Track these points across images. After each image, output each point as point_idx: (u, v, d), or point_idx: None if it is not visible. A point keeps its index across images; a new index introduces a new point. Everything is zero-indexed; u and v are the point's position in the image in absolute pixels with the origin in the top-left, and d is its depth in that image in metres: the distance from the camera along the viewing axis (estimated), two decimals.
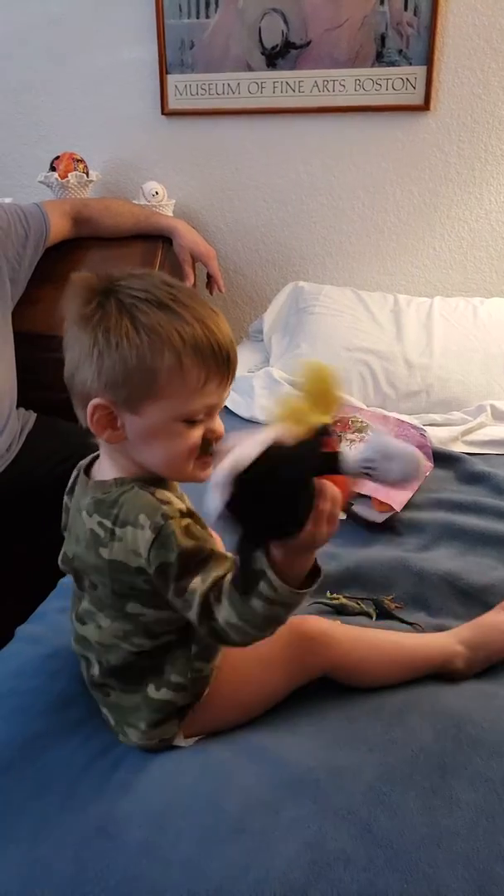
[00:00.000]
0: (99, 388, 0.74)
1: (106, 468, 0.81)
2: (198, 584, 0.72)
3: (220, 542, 0.85)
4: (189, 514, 0.77)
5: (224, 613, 0.70)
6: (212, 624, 0.72)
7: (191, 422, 0.75)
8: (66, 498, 0.90)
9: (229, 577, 0.71)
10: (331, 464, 0.61)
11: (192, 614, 0.73)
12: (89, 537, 0.78)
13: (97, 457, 0.85)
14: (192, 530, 0.75)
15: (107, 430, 0.75)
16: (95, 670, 0.86)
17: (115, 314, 0.72)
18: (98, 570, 0.79)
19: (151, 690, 0.83)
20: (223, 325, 0.76)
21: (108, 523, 0.76)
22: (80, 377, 0.75)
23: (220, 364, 0.75)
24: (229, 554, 0.74)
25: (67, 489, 0.89)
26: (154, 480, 0.78)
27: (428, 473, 1.36)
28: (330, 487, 0.64)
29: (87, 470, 0.85)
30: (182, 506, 0.77)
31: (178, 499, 0.78)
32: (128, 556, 0.75)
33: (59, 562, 0.89)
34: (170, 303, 0.73)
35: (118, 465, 0.80)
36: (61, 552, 0.88)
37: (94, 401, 0.74)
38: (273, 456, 0.59)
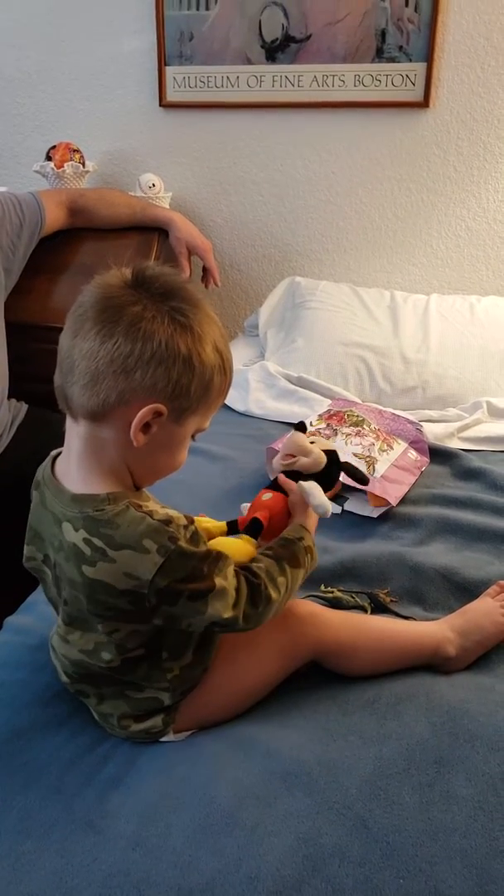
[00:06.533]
0: (162, 394, 0.72)
1: (83, 470, 0.76)
2: (222, 581, 0.75)
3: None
4: (190, 521, 0.77)
5: (276, 593, 0.79)
6: (254, 610, 0.77)
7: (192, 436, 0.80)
8: (33, 493, 0.84)
9: (270, 563, 0.81)
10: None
11: (220, 608, 0.74)
12: (71, 551, 0.74)
13: (60, 453, 0.81)
14: (195, 538, 0.76)
15: (139, 433, 0.73)
16: (65, 679, 0.86)
17: (206, 328, 0.73)
18: (74, 585, 0.75)
19: (132, 692, 0.81)
20: None
21: (98, 542, 0.72)
22: (140, 376, 0.70)
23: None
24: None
25: (34, 484, 0.84)
26: (137, 493, 0.78)
27: (424, 469, 1.35)
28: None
29: (52, 466, 0.81)
30: (183, 519, 0.76)
31: (160, 505, 0.78)
32: (117, 578, 0.72)
33: (24, 562, 0.87)
34: (217, 325, 0.77)
35: (102, 466, 0.76)
36: (25, 553, 0.85)
37: (155, 406, 0.72)
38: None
